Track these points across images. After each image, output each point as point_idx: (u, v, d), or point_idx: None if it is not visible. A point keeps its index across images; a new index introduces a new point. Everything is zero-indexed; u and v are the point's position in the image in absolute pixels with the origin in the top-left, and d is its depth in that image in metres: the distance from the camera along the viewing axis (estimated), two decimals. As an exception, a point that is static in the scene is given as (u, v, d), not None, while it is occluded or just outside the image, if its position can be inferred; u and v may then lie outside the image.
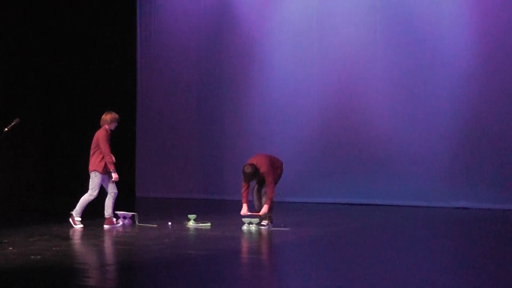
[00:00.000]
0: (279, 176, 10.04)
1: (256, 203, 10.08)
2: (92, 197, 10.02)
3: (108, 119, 10.16)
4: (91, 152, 10.11)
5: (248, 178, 9.80)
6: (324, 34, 14.06)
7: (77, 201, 10.02)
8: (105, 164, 9.96)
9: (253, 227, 9.75)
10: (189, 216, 10.29)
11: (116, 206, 10.27)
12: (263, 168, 9.75)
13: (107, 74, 16.28)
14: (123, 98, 16.06)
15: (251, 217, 9.85)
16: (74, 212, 9.99)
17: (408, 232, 10.25)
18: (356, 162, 13.67)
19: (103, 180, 10.05)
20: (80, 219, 9.95)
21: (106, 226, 10.05)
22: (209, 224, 10.18)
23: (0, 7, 15.18)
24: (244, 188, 9.90)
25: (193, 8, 15.51)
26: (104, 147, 9.94)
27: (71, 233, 9.48)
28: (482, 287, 6.08)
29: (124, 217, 10.57)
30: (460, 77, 12.89)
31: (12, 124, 8.91)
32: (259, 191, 10.02)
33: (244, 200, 9.92)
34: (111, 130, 10.19)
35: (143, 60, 16.08)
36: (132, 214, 10.54)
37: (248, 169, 9.71)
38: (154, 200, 14.85)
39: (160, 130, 15.89)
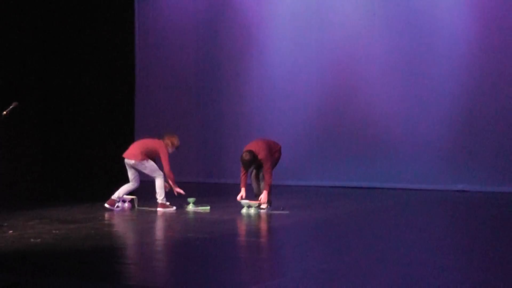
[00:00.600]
0: (278, 159, 10.05)
1: (254, 186, 10.10)
2: (162, 177, 10.12)
3: (174, 142, 10.21)
4: (141, 145, 10.18)
5: (246, 165, 9.81)
6: (323, 18, 14.02)
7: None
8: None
9: (252, 210, 9.77)
10: (189, 199, 10.29)
11: (115, 190, 10.27)
12: (261, 155, 9.76)
13: (104, 66, 16.17)
14: (121, 85, 16.03)
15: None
16: (160, 199, 10.11)
17: (407, 215, 10.28)
18: (355, 145, 13.68)
19: (136, 167, 10.10)
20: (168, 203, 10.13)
21: (106, 205, 10.08)
22: (208, 207, 10.20)
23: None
24: (243, 173, 9.93)
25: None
26: (166, 164, 10.01)
27: (69, 217, 9.49)
28: (480, 270, 6.11)
29: (124, 201, 10.58)
30: (461, 59, 12.87)
31: (11, 107, 8.89)
32: (257, 175, 10.04)
33: (242, 184, 9.94)
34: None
35: (141, 42, 16.00)
36: (132, 198, 10.55)
37: (247, 157, 9.71)
38: (153, 184, 14.83)
39: (159, 114, 15.87)
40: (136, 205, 10.42)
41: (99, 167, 15.84)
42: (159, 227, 8.83)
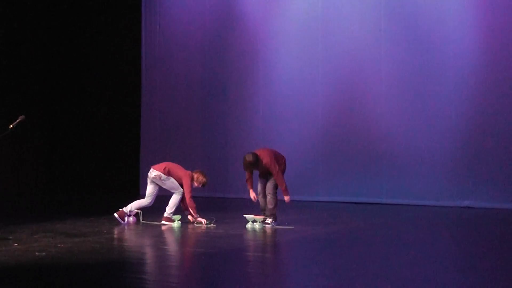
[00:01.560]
0: (283, 171, 10.02)
1: (261, 201, 10.06)
2: (180, 195, 10.12)
3: (200, 178, 10.17)
4: (170, 165, 10.22)
5: (247, 166, 9.73)
6: (329, 33, 14.06)
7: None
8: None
9: (257, 225, 9.75)
10: (174, 217, 10.15)
11: (121, 203, 10.28)
12: (265, 160, 9.67)
13: (112, 74, 16.30)
14: (127, 98, 16.12)
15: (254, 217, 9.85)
16: (167, 212, 10.12)
17: (412, 231, 10.24)
18: (360, 160, 13.67)
19: (155, 184, 10.12)
20: (176, 216, 10.09)
21: (115, 215, 10.10)
22: (213, 224, 10.09)
23: (4, 8, 15.21)
24: (248, 176, 9.87)
25: (198, 7, 15.54)
26: (188, 193, 9.99)
27: (74, 230, 9.50)
28: (484, 286, 6.08)
29: (129, 215, 10.58)
30: (465, 76, 12.88)
31: (17, 121, 8.92)
32: (263, 189, 10.00)
33: (249, 185, 9.90)
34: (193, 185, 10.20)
35: (147, 59, 16.11)
36: (137, 212, 10.55)
37: (249, 158, 9.65)
38: (157, 198, 14.85)
39: (164, 128, 15.92)
40: (141, 219, 10.42)
41: (104, 181, 15.87)
42: (164, 241, 8.81)
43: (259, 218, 9.85)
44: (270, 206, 9.85)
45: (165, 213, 10.18)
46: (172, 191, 10.18)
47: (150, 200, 10.29)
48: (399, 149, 13.40)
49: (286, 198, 9.82)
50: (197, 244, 8.58)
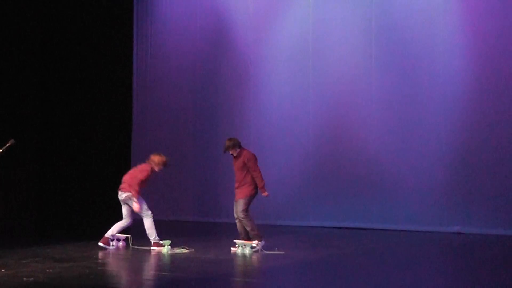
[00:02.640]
0: (254, 194, 10.04)
1: (238, 226, 10.03)
2: (150, 217, 10.14)
3: (156, 160, 10.26)
4: (130, 177, 10.21)
5: (226, 147, 9.95)
6: (320, 58, 14.13)
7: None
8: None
9: (247, 250, 9.73)
10: (163, 242, 10.09)
11: (110, 225, 10.24)
12: (249, 155, 9.98)
13: (103, 94, 16.31)
14: (118, 119, 16.11)
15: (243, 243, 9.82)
16: (152, 238, 10.07)
17: (402, 256, 10.23)
18: (350, 186, 13.67)
19: (127, 202, 10.16)
20: (166, 241, 10.05)
21: (100, 243, 10.05)
22: (186, 250, 9.95)
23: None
24: None
25: (189, 30, 15.59)
26: (138, 179, 10.10)
27: (63, 255, 9.44)
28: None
29: (118, 239, 10.53)
30: (455, 101, 12.94)
31: (7, 145, 8.91)
32: (240, 221, 9.98)
33: None
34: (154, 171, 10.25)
35: (138, 82, 16.11)
36: (126, 237, 10.51)
37: (231, 141, 9.96)
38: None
39: (154, 151, 15.88)
40: (130, 244, 10.37)
41: (94, 205, 15.81)
42: (154, 266, 8.77)
43: (249, 243, 9.82)
44: (248, 229, 9.87)
45: (151, 239, 10.12)
46: (141, 214, 10.12)
47: (129, 220, 10.26)
48: (389, 175, 13.40)
49: (265, 193, 10.00)
50: (187, 270, 8.53)
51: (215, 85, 15.28)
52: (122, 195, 10.17)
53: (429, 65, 13.17)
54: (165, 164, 10.34)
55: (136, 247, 10.24)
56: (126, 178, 10.31)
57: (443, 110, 12.99)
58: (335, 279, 8.00)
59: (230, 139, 10.08)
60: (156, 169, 10.27)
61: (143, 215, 10.15)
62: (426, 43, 13.23)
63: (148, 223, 10.12)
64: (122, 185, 10.23)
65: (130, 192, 10.04)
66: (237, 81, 15.02)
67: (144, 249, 10.05)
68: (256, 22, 14.87)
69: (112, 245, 10.19)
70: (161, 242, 10.08)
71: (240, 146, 10.07)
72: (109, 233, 10.15)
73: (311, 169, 14.09)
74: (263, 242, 9.93)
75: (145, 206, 10.15)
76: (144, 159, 15.87)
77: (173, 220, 14.98)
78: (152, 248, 10.04)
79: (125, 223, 10.24)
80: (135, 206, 10.03)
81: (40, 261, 8.68)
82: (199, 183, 15.33)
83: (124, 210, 10.25)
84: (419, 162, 13.14)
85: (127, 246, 10.37)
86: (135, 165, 15.94)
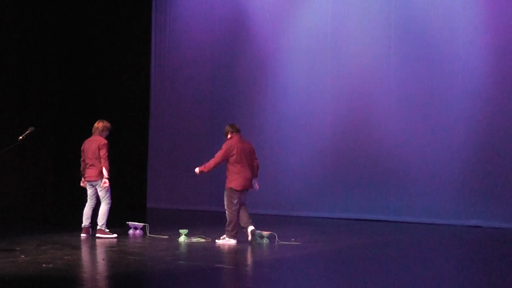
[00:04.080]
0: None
1: (241, 218, 9.81)
2: (108, 205, 10.15)
3: (101, 127, 10.43)
4: (92, 162, 10.19)
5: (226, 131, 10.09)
6: (338, 49, 14.09)
7: (81, 211, 10.14)
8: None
9: (264, 240, 9.74)
10: (181, 231, 10.09)
11: (128, 217, 10.30)
12: (251, 145, 10.03)
13: (121, 85, 16.37)
14: (136, 111, 16.17)
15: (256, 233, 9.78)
16: (100, 225, 10.05)
17: (420, 249, 10.20)
18: (368, 177, 13.64)
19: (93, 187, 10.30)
20: (183, 230, 10.04)
21: (98, 235, 10.08)
22: (203, 239, 9.97)
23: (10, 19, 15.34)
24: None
25: (207, 21, 15.60)
26: (105, 158, 10.24)
27: (82, 242, 9.51)
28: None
29: (136, 228, 10.60)
30: (475, 94, 12.85)
31: (27, 132, 8.97)
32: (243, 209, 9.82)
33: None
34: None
35: (156, 73, 16.17)
36: (143, 225, 10.56)
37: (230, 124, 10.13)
38: (164, 211, 14.88)
39: (171, 142, 15.95)
40: (147, 233, 10.42)
41: (111, 194, 15.88)
42: (170, 255, 8.80)
43: (266, 233, 9.83)
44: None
45: (98, 226, 10.07)
46: (101, 198, 10.14)
47: (94, 201, 10.24)
48: (407, 167, 13.36)
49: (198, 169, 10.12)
50: (203, 258, 8.54)
51: (232, 77, 15.28)
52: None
53: (448, 58, 13.08)
54: (109, 129, 10.51)
55: (153, 235, 10.29)
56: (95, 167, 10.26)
57: (463, 103, 12.91)
58: (352, 271, 8.00)
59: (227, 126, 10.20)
60: (104, 135, 10.43)
61: (103, 200, 10.16)
62: (445, 35, 13.14)
63: (104, 209, 10.14)
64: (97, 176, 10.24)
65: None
66: (255, 73, 15.02)
67: (161, 238, 10.09)
68: (274, 13, 14.84)
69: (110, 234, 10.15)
70: (107, 230, 10.04)
71: (237, 128, 10.09)
72: (101, 224, 10.09)
73: (328, 160, 14.07)
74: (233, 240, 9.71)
75: (105, 192, 10.21)
76: (161, 149, 16.11)
77: (190, 210, 15.03)
78: (97, 235, 10.00)
79: (94, 205, 10.30)
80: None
81: (58, 248, 8.75)
82: (216, 173, 15.33)
83: (89, 192, 10.36)
84: (438, 155, 13.08)
85: (144, 234, 10.42)
86: (152, 156, 16.20)
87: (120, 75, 16.40)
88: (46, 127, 15.76)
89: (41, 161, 16.22)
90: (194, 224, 10.93)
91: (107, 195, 10.13)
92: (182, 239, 9.97)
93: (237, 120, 15.07)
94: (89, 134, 14.51)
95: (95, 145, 10.22)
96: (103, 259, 8.26)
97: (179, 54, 15.97)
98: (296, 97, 14.50)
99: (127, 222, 10.74)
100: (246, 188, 9.82)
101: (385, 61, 13.65)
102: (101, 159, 10.11)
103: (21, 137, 8.90)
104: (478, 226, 12.52)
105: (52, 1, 16.16)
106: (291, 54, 14.61)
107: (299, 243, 9.79)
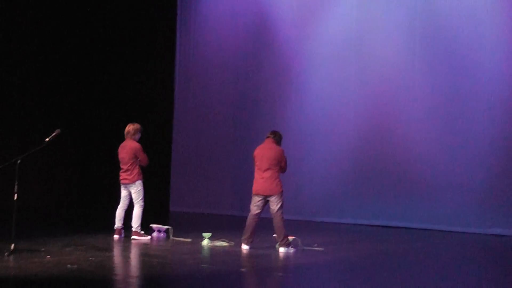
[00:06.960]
0: None
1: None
2: (141, 207, 10.35)
3: (133, 130, 10.65)
4: (126, 167, 10.36)
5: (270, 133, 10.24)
6: (363, 56, 14.05)
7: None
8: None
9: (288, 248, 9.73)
10: (204, 234, 10.12)
11: (151, 220, 10.37)
12: (280, 151, 10.21)
13: (145, 88, 16.47)
14: (160, 114, 16.26)
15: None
16: (135, 227, 10.23)
17: (444, 257, 10.14)
18: (390, 184, 13.59)
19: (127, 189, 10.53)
20: (206, 234, 10.16)
21: (134, 237, 10.24)
22: (226, 243, 10.01)
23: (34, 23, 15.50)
24: None
25: (232, 25, 15.64)
26: (145, 160, 10.59)
27: (107, 244, 9.57)
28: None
29: (159, 231, 10.65)
30: (500, 103, 12.75)
31: (53, 135, 9.05)
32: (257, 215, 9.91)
33: None
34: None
35: (181, 76, 16.25)
36: (167, 228, 10.61)
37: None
38: (187, 215, 14.92)
39: (195, 146, 16.00)
40: (171, 236, 10.47)
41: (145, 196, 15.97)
42: (194, 258, 8.84)
43: (291, 238, 9.81)
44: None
45: (133, 228, 10.25)
46: (134, 201, 10.34)
47: (126, 203, 10.44)
48: (429, 174, 13.28)
49: None
50: (226, 262, 8.57)
51: (257, 81, 15.31)
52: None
53: (474, 65, 12.99)
54: (141, 131, 10.71)
55: (176, 238, 10.33)
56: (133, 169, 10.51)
57: (488, 110, 12.81)
58: (377, 278, 7.98)
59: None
60: (138, 137, 10.68)
61: (136, 202, 10.38)
62: (471, 42, 13.05)
63: (137, 211, 10.35)
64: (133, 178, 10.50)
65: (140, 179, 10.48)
66: (279, 77, 15.02)
67: (185, 241, 10.13)
68: (299, 18, 14.85)
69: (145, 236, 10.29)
70: (142, 232, 10.25)
71: (278, 135, 10.38)
72: (135, 225, 10.30)
73: (353, 166, 14.03)
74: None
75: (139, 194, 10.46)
76: (184, 153, 16.17)
77: (213, 214, 15.07)
78: (132, 237, 10.19)
79: (128, 207, 10.51)
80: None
81: (83, 250, 8.82)
82: (239, 177, 15.38)
83: (123, 193, 10.59)
84: (461, 162, 12.99)
85: (167, 237, 10.47)
86: (176, 159, 16.27)
87: (145, 78, 16.52)
88: (73, 129, 15.89)
89: (67, 163, 16.37)
90: (218, 227, 10.94)
91: (140, 198, 10.30)
92: (205, 242, 10.00)
93: (260, 127, 15.10)
94: (114, 136, 14.70)
95: (129, 150, 10.50)
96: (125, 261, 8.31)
97: (203, 58, 16.03)
98: (320, 103, 14.48)
99: (150, 225, 10.80)
100: (258, 194, 9.90)
101: (410, 67, 13.59)
102: (143, 164, 10.51)
103: (47, 139, 8.99)
104: (501, 235, 12.42)
105: (81, 7, 16.33)
106: (315, 60, 14.60)
107: (322, 249, 9.78)
